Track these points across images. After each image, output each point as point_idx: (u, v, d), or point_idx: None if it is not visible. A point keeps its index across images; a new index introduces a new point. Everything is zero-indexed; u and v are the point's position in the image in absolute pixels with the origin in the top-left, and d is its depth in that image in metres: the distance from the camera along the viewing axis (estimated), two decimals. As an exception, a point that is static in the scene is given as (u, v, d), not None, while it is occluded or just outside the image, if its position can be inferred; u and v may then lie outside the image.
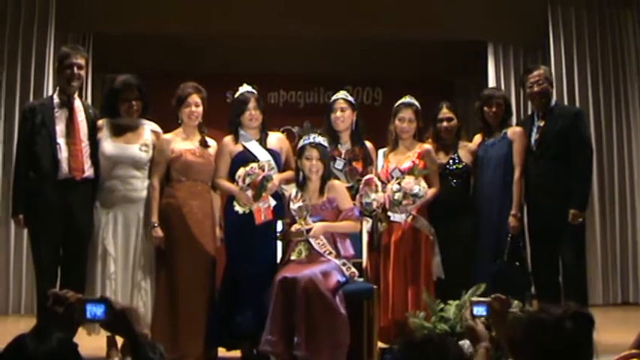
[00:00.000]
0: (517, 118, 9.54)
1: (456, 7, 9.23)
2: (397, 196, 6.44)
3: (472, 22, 9.44)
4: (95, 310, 2.91)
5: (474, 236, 6.75)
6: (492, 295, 3.81)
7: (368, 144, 6.75)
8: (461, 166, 6.82)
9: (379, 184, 6.50)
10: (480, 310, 3.72)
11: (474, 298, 4.53)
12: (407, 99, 6.83)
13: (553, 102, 7.00)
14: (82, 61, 6.45)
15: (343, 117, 6.65)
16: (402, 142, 6.77)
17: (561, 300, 6.47)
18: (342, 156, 6.55)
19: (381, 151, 6.84)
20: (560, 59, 9.29)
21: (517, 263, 6.70)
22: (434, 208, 6.68)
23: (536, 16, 9.41)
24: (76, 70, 6.39)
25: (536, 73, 6.94)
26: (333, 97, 6.81)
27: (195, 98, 6.45)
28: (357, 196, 6.45)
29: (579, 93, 9.31)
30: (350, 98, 6.76)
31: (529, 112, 9.54)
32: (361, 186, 6.46)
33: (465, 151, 6.91)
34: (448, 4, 9.27)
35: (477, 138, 7.09)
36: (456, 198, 6.75)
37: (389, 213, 6.53)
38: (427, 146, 6.76)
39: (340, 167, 6.55)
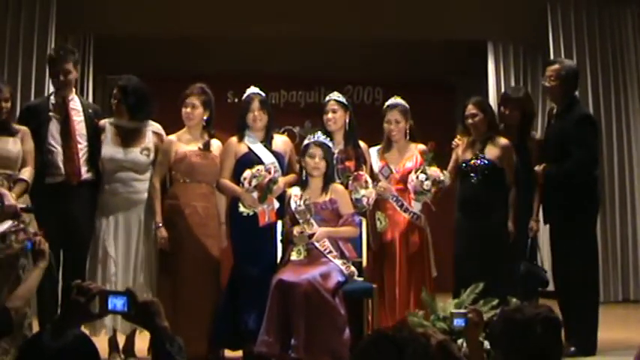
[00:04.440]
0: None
1: (456, 7, 9.25)
2: (426, 184, 6.48)
3: (472, 22, 9.45)
4: (117, 302, 2.95)
5: (491, 234, 6.63)
6: (470, 307, 3.98)
7: (362, 144, 6.77)
8: (480, 162, 6.68)
9: (369, 180, 6.52)
10: (459, 322, 3.86)
11: (454, 310, 4.66)
12: (392, 100, 6.86)
13: (571, 101, 6.80)
14: (68, 66, 6.39)
15: (335, 118, 6.66)
16: (395, 143, 6.81)
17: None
18: (335, 156, 6.56)
19: (373, 150, 6.86)
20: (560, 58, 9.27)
21: (535, 263, 6.80)
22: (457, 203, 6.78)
23: (535, 14, 9.42)
24: (62, 77, 6.38)
25: (551, 67, 6.84)
26: (326, 99, 6.84)
27: (192, 100, 6.44)
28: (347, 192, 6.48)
29: (579, 91, 9.30)
30: (342, 99, 6.75)
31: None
32: (350, 182, 6.49)
33: (496, 146, 6.72)
34: (448, 4, 9.29)
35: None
36: (474, 195, 6.68)
37: (413, 202, 6.61)
38: (422, 146, 6.78)
39: None
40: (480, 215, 6.62)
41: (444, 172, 6.61)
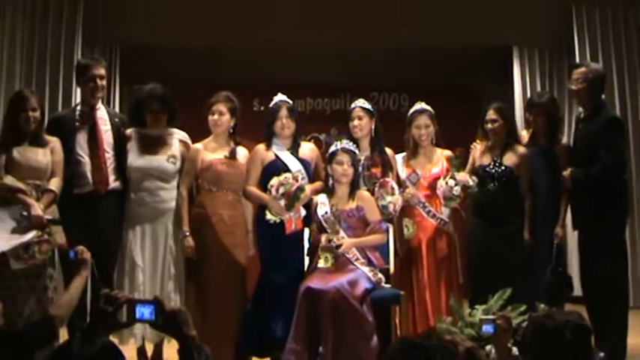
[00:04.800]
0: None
1: (480, 12, 9.24)
2: (456, 190, 6.48)
3: (496, 27, 9.43)
4: (144, 311, 2.98)
5: (511, 240, 6.65)
6: (499, 314, 3.98)
7: (388, 151, 6.77)
8: (499, 169, 6.71)
9: (395, 186, 6.51)
10: (488, 328, 3.86)
11: (483, 317, 4.65)
12: (419, 106, 6.86)
13: (598, 104, 6.73)
14: (102, 72, 6.46)
15: (360, 125, 6.67)
16: (422, 148, 6.80)
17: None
18: (361, 162, 6.56)
19: (399, 156, 6.86)
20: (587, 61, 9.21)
21: (560, 269, 6.68)
22: (472, 208, 6.75)
23: (560, 19, 9.38)
24: (98, 81, 6.42)
25: (577, 70, 6.79)
26: (351, 106, 6.85)
27: (219, 107, 6.48)
28: (374, 199, 6.47)
29: (605, 94, 9.24)
30: (367, 106, 6.76)
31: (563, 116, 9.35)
32: (376, 189, 6.48)
33: (514, 154, 6.76)
34: (472, 10, 9.27)
35: (525, 135, 7.05)
36: (492, 201, 6.69)
37: (442, 208, 6.60)
38: (448, 152, 6.78)
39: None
40: (497, 222, 6.65)
41: (472, 177, 6.60)
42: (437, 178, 6.62)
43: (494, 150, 6.78)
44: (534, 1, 9.31)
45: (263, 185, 6.36)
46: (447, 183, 6.50)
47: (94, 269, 4.60)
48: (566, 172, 6.64)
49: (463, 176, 6.54)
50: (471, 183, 6.54)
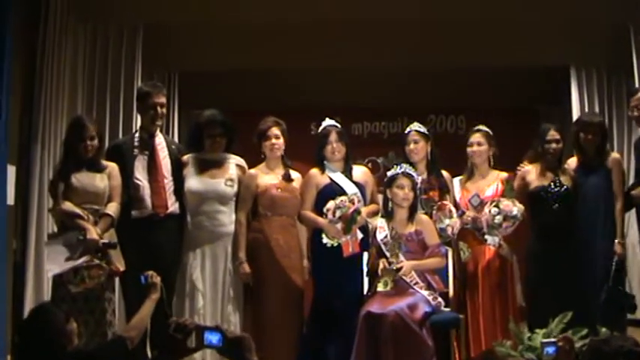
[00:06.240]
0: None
1: (538, 32, 9.17)
2: (497, 219, 6.42)
3: (554, 48, 9.35)
4: (212, 338, 3.11)
5: (576, 261, 6.57)
6: (560, 336, 3.97)
7: (445, 173, 6.77)
8: (562, 189, 6.65)
9: (453, 209, 6.50)
10: (549, 350, 3.86)
11: (544, 340, 4.62)
12: (477, 127, 6.87)
13: None
14: (163, 100, 6.55)
15: (417, 149, 6.70)
16: (477, 169, 6.78)
17: None
18: (418, 186, 6.54)
19: (456, 180, 6.85)
20: (643, 85, 9.12)
21: (620, 288, 6.59)
22: (534, 231, 6.67)
23: (618, 38, 9.27)
24: (159, 109, 6.50)
25: (635, 97, 6.79)
26: (407, 130, 6.87)
27: (274, 131, 6.54)
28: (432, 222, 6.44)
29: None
30: (423, 129, 6.80)
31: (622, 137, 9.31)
32: (434, 212, 6.47)
33: (567, 174, 6.75)
34: (529, 30, 9.20)
35: (573, 161, 6.97)
36: (557, 222, 6.61)
37: (486, 236, 6.52)
38: (505, 174, 6.74)
39: None
40: (562, 241, 6.56)
41: (518, 205, 6.48)
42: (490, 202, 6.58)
43: (553, 170, 6.73)
44: (591, 21, 9.22)
45: (318, 209, 6.40)
46: (490, 211, 6.46)
47: (164, 293, 4.70)
48: (636, 191, 6.61)
49: (507, 205, 6.45)
50: (515, 212, 6.45)
